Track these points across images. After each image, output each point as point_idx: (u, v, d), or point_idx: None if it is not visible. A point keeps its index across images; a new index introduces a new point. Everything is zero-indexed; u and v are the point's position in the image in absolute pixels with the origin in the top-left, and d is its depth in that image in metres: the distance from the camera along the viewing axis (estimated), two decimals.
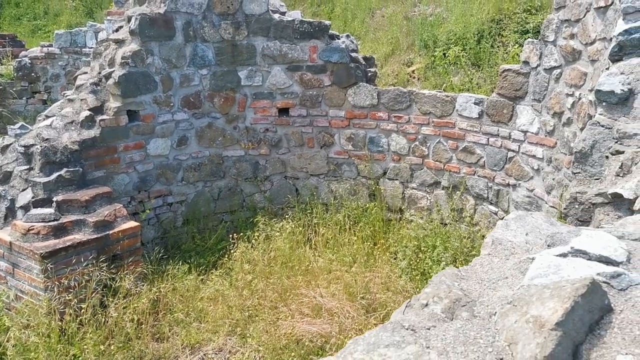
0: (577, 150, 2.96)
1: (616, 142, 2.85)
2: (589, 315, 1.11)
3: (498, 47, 7.98)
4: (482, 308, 1.29)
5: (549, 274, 1.24)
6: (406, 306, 1.33)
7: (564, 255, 1.36)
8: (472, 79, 7.60)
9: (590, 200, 2.72)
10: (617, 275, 1.28)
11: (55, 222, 4.20)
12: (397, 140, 5.92)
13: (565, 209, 2.89)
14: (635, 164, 2.69)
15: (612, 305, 1.20)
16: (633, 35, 3.09)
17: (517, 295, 1.19)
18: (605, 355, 1.08)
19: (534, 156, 4.84)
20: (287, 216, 5.86)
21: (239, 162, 6.14)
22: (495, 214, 5.32)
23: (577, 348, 1.07)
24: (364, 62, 6.24)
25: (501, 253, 1.60)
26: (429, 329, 1.18)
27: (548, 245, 1.55)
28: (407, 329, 1.15)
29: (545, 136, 4.68)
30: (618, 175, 2.76)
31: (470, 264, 1.57)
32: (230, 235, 5.35)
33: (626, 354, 1.07)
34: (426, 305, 1.30)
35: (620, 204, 2.64)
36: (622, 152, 2.82)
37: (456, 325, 1.20)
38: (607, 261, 1.35)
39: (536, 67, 4.78)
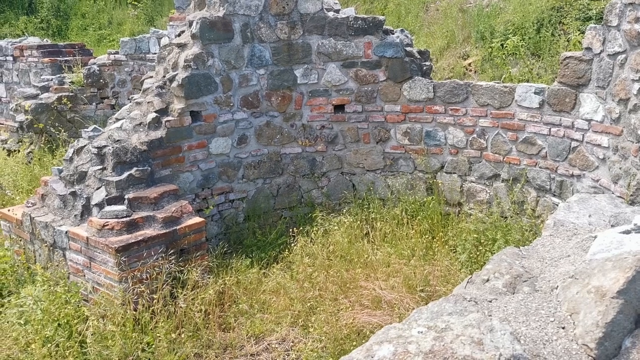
0: None
1: None
2: None
3: (559, 35, 7.76)
4: (543, 283, 1.31)
5: (611, 249, 1.25)
6: (467, 282, 1.37)
7: (627, 232, 1.36)
8: (531, 70, 7.43)
9: None
10: None
11: (128, 218, 4.44)
12: (454, 133, 5.87)
13: (632, 195, 2.82)
14: None
15: None
16: None
17: (579, 270, 1.21)
18: None
19: (599, 145, 4.70)
20: (344, 211, 5.94)
21: (296, 159, 6.27)
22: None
23: (639, 317, 1.08)
24: (418, 56, 6.23)
25: (563, 234, 1.60)
26: (490, 301, 1.22)
27: (612, 226, 1.54)
28: (469, 301, 1.20)
29: (611, 124, 4.54)
30: None
31: (531, 244, 1.59)
32: (290, 230, 5.49)
33: None
34: (487, 280, 1.33)
35: None
36: None
37: (517, 298, 1.24)
38: None
39: (599, 53, 4.64)
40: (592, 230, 1.62)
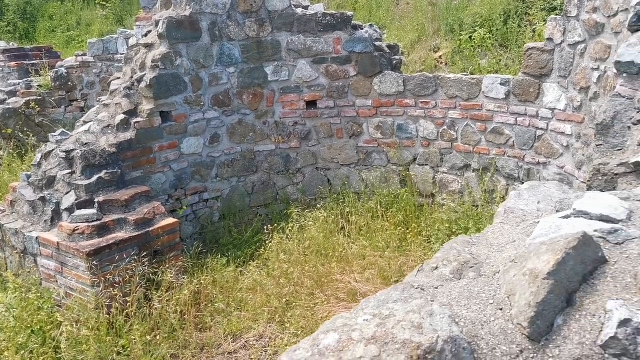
0: (598, 123, 2.97)
1: (638, 112, 2.85)
2: (582, 266, 1.18)
3: (525, 26, 7.89)
4: (488, 268, 1.37)
5: (550, 234, 1.31)
6: (418, 270, 1.41)
7: (566, 217, 1.43)
8: (500, 61, 7.55)
9: (612, 171, 2.73)
10: (614, 231, 1.33)
11: (98, 222, 4.41)
12: (425, 125, 5.95)
13: (589, 181, 2.90)
14: None
15: (607, 257, 1.26)
16: None
17: (519, 254, 1.27)
18: (597, 301, 1.14)
19: (562, 133, 4.81)
20: (320, 206, 5.98)
21: (270, 157, 6.28)
22: None
23: (570, 296, 1.14)
24: (388, 51, 6.28)
25: (512, 221, 1.66)
26: (436, 287, 1.27)
27: (557, 211, 1.61)
28: (416, 288, 1.24)
29: (573, 112, 4.65)
30: None
31: (482, 232, 1.64)
32: (266, 228, 5.50)
33: (617, 299, 1.14)
34: (436, 268, 1.38)
35: None
36: None
37: (462, 284, 1.29)
38: (607, 220, 1.41)
39: (560, 43, 4.74)
40: (539, 217, 1.68)
